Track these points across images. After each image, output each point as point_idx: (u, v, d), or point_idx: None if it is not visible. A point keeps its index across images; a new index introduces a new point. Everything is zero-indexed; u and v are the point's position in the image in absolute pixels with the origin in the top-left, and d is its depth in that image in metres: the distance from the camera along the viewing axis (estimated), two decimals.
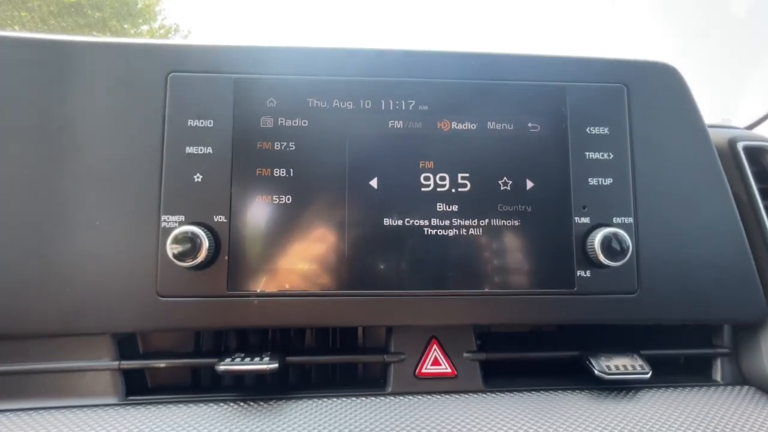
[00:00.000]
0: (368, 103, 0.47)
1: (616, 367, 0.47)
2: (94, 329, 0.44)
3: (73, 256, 0.43)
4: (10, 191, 0.43)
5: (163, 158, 0.45)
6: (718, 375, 0.51)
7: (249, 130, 0.46)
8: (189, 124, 0.45)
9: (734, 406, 0.46)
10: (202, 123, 0.45)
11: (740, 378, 0.50)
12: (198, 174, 0.45)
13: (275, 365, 0.43)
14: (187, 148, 0.45)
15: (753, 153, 0.53)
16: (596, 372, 0.46)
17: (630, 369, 0.47)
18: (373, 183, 0.46)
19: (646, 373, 0.46)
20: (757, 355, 0.49)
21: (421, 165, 0.47)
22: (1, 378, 0.44)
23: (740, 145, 0.52)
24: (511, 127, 0.48)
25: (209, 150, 0.45)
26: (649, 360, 0.48)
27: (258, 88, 0.46)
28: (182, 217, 0.44)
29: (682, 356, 0.53)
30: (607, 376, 0.46)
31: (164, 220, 0.44)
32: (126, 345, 0.47)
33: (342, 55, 0.48)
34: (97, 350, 0.45)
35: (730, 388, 0.49)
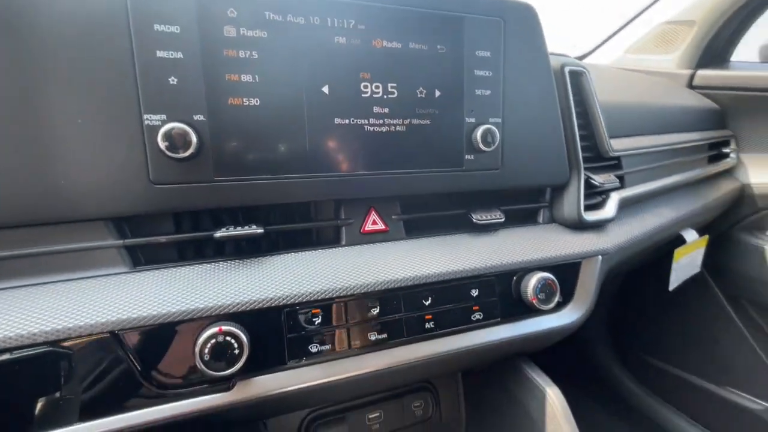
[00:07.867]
0: (317, 19, 0.57)
1: (485, 217, 0.73)
2: (96, 214, 0.51)
3: (66, 153, 0.48)
4: None
5: (134, 61, 0.49)
6: (540, 218, 0.82)
7: (214, 37, 0.52)
8: (156, 28, 0.50)
9: (546, 232, 0.77)
10: (168, 28, 0.50)
11: (551, 219, 0.83)
12: (173, 77, 0.51)
13: (261, 230, 0.57)
14: (158, 52, 0.50)
15: (573, 74, 0.79)
16: (474, 220, 0.72)
17: (492, 218, 0.74)
18: (325, 89, 0.58)
19: (501, 219, 0.74)
20: (561, 205, 0.80)
21: (361, 75, 0.60)
22: (12, 261, 0.49)
23: (566, 69, 0.78)
24: (426, 48, 0.63)
25: (180, 55, 0.51)
26: (505, 213, 0.75)
27: None
28: (164, 116, 0.51)
29: (522, 209, 0.83)
30: (480, 222, 0.72)
31: (147, 119, 0.51)
32: (126, 232, 0.55)
33: None
34: (101, 233, 0.52)
35: (546, 225, 0.80)
